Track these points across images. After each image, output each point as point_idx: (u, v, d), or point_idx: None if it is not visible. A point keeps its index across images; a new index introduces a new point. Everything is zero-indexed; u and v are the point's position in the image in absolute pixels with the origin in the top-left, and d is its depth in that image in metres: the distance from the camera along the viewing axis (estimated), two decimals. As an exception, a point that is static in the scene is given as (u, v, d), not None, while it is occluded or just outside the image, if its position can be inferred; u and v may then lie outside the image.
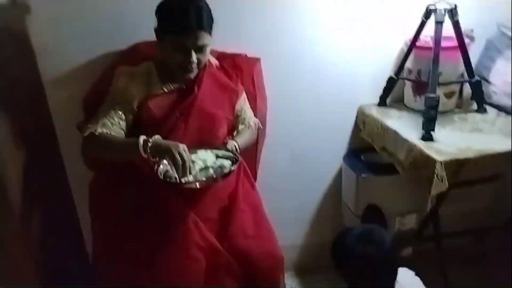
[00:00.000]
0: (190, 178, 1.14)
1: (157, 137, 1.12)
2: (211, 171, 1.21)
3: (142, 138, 1.11)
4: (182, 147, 1.09)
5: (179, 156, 1.07)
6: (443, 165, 1.27)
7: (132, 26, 1.39)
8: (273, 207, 1.46)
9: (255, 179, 1.50)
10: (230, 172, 1.20)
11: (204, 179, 1.18)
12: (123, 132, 1.21)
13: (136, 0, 1.37)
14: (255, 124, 1.42)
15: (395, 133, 1.47)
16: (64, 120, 1.42)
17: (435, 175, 1.28)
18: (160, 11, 1.18)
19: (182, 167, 1.08)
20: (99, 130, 1.17)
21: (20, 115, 1.22)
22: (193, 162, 1.18)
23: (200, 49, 1.18)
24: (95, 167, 1.37)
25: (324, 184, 1.82)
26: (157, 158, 1.13)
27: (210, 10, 1.18)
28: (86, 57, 1.40)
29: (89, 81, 1.37)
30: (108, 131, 1.18)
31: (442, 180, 1.29)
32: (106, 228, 1.30)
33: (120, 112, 1.20)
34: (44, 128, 1.41)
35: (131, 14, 1.38)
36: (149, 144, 1.09)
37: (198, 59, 1.19)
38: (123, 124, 1.21)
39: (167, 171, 1.19)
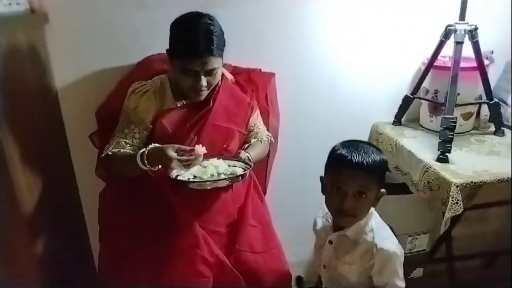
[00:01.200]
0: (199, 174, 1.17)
1: (152, 146, 1.13)
2: (222, 176, 1.20)
3: (141, 150, 1.12)
4: (172, 148, 1.09)
5: (174, 155, 1.08)
6: (459, 188, 1.25)
7: (147, 38, 1.40)
8: (282, 223, 1.44)
9: (264, 193, 1.49)
10: (242, 175, 1.19)
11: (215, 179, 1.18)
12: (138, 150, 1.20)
13: (152, 12, 1.38)
14: (268, 138, 1.42)
15: (410, 153, 1.46)
16: (77, 129, 1.43)
17: (450, 198, 1.26)
18: (171, 32, 1.17)
19: (185, 162, 1.10)
20: (113, 150, 1.19)
21: (33, 122, 1.23)
22: (205, 167, 1.19)
23: (209, 73, 1.16)
24: (105, 176, 1.37)
25: None
26: (159, 166, 1.14)
27: (221, 32, 1.16)
28: (101, 67, 1.41)
29: (103, 91, 1.38)
30: (122, 150, 1.19)
31: (457, 203, 1.26)
32: (114, 238, 1.29)
33: (135, 131, 1.21)
34: (56, 136, 1.42)
35: (147, 25, 1.39)
36: (145, 156, 1.11)
37: (208, 82, 1.18)
38: (138, 142, 1.21)
39: (178, 175, 1.20)
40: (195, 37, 1.12)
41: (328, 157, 1.15)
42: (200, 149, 1.12)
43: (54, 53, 1.35)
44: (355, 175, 1.06)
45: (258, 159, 1.37)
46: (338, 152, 1.10)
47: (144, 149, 1.13)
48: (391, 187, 1.53)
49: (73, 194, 1.50)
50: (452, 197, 1.25)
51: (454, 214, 1.28)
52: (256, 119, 1.38)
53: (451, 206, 1.26)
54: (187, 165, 1.10)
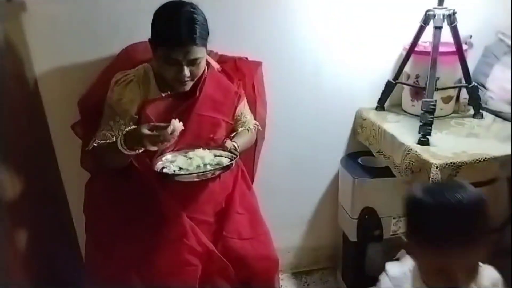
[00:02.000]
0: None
1: (128, 128, 1.10)
2: (209, 167, 1.18)
3: (120, 135, 1.08)
4: (147, 125, 1.05)
5: (146, 131, 1.03)
6: (438, 169, 1.27)
7: (129, 27, 1.38)
8: (270, 210, 1.46)
9: (252, 181, 1.49)
10: (228, 166, 1.18)
11: (202, 171, 1.16)
12: None
13: (132, 1, 1.36)
14: (255, 127, 1.42)
15: (392, 137, 1.47)
16: (59, 119, 1.41)
17: (430, 179, 1.28)
18: (153, 21, 1.14)
19: (159, 138, 1.03)
20: (99, 142, 1.16)
21: (13, 113, 1.20)
22: (190, 158, 1.18)
23: (192, 63, 1.14)
24: (92, 169, 1.36)
25: (321, 187, 1.83)
26: (138, 151, 1.09)
27: (205, 21, 1.14)
28: (82, 56, 1.39)
29: (85, 81, 1.35)
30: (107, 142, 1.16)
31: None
32: (101, 229, 1.28)
33: (121, 123, 1.18)
34: (38, 127, 1.39)
35: (129, 14, 1.37)
36: (122, 139, 1.07)
37: (191, 72, 1.15)
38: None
39: (163, 167, 1.18)
40: (177, 25, 1.09)
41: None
42: (177, 124, 1.04)
43: (33, 42, 1.32)
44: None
45: (245, 148, 1.37)
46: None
47: (123, 132, 1.10)
48: (374, 171, 1.61)
49: (57, 185, 1.48)
50: (433, 178, 1.27)
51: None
52: (243, 108, 1.37)
53: (432, 187, 1.29)
54: (160, 141, 1.03)
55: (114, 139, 1.15)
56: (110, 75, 1.25)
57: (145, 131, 1.04)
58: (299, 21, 1.53)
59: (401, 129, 1.50)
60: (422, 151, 1.34)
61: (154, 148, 1.08)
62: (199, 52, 1.14)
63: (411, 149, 1.37)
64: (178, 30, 1.09)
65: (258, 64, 1.46)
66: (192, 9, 1.12)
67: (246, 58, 1.45)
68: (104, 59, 1.38)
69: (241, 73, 1.40)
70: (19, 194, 1.17)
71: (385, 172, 1.53)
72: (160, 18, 1.13)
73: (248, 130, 1.39)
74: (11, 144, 1.16)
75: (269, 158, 1.60)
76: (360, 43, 1.60)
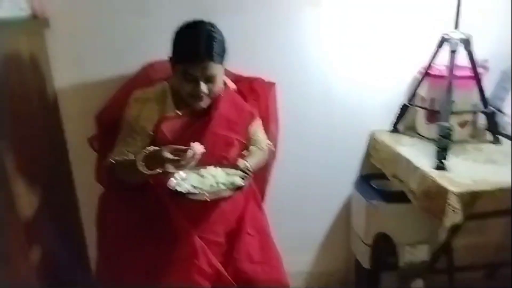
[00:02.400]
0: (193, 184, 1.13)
1: (149, 148, 1.10)
2: (222, 186, 1.17)
3: (139, 155, 1.09)
4: (168, 148, 1.05)
5: (168, 155, 1.04)
6: (457, 197, 1.23)
7: (148, 44, 1.41)
8: (280, 232, 1.42)
9: (263, 201, 1.47)
10: (241, 186, 1.17)
11: (215, 191, 1.15)
12: None
13: (153, 18, 1.40)
14: (267, 146, 1.41)
15: (407, 161, 1.45)
16: (77, 133, 1.43)
17: (448, 207, 1.25)
18: (173, 39, 1.18)
19: (177, 162, 1.04)
20: (117, 159, 1.17)
21: (32, 127, 1.23)
22: (203, 176, 1.18)
23: (209, 79, 1.16)
24: (107, 183, 1.35)
25: (333, 210, 1.80)
26: (158, 171, 1.08)
27: (223, 39, 1.17)
28: (102, 73, 1.42)
29: (103, 96, 1.38)
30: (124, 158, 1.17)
31: (456, 212, 1.24)
32: (112, 244, 1.28)
33: (138, 139, 1.20)
34: (56, 140, 1.42)
35: (148, 32, 1.41)
36: (141, 158, 1.07)
37: (208, 89, 1.18)
38: (141, 150, 1.17)
39: (177, 185, 1.17)
40: (195, 42, 1.13)
41: None
42: (198, 147, 1.06)
43: (55, 57, 1.37)
44: None
45: (258, 167, 1.35)
46: None
47: (142, 152, 1.11)
48: (389, 195, 1.57)
49: (71, 198, 1.49)
50: (451, 206, 1.24)
51: (453, 224, 1.26)
52: (257, 127, 1.38)
53: (450, 215, 1.25)
54: (182, 165, 1.05)
55: (131, 156, 1.16)
56: (129, 92, 1.27)
57: (167, 155, 1.04)
58: (310, 40, 1.55)
59: (417, 153, 1.48)
60: (439, 177, 1.31)
61: (175, 171, 1.09)
62: (216, 69, 1.16)
63: (428, 175, 1.34)
64: (197, 46, 1.13)
65: (272, 85, 1.47)
66: (210, 28, 1.17)
67: (262, 79, 1.46)
68: (123, 76, 1.41)
69: (256, 93, 1.41)
70: (32, 205, 1.18)
71: (400, 196, 1.48)
72: (180, 35, 1.17)
73: (260, 150, 1.38)
74: (29, 157, 1.17)
75: (281, 178, 1.58)
76: (374, 64, 1.60)
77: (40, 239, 1.21)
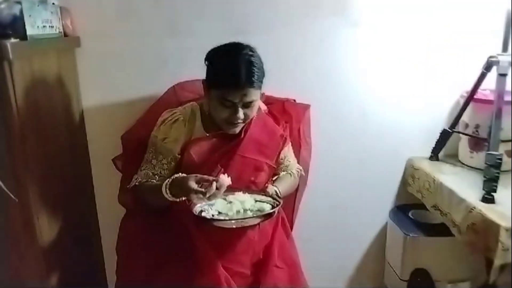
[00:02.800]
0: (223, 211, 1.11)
1: (176, 175, 1.09)
2: (249, 213, 1.13)
3: (166, 180, 1.09)
4: (194, 178, 1.04)
5: (194, 186, 1.03)
6: (509, 232, 1.13)
7: (177, 65, 1.41)
8: (308, 261, 1.36)
9: (291, 228, 1.41)
10: (270, 214, 1.13)
11: (241, 218, 1.12)
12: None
13: (183, 39, 1.40)
14: (298, 172, 1.37)
15: (451, 191, 1.36)
16: (101, 153, 1.43)
17: (499, 243, 1.14)
18: (209, 62, 1.16)
19: (206, 193, 1.03)
20: (141, 181, 1.17)
21: (56, 142, 1.23)
22: (230, 202, 1.15)
23: (247, 105, 1.14)
24: (130, 205, 1.33)
25: (366, 240, 1.71)
26: (183, 198, 1.08)
27: (262, 64, 1.15)
28: (130, 93, 1.42)
29: (130, 117, 1.38)
30: (150, 181, 1.17)
31: (507, 249, 1.14)
32: (132, 270, 1.23)
33: (163, 162, 1.19)
34: (80, 159, 1.42)
35: (178, 52, 1.41)
36: (168, 186, 1.07)
37: (245, 114, 1.15)
38: (167, 172, 1.18)
39: (201, 210, 1.14)
40: (236, 67, 1.10)
41: None
42: (225, 179, 1.05)
43: (83, 76, 1.38)
44: None
45: (287, 194, 1.31)
46: None
47: (169, 178, 1.09)
48: (428, 227, 1.50)
49: (92, 220, 1.47)
50: (502, 243, 1.14)
51: (504, 262, 1.16)
52: (287, 152, 1.35)
53: (500, 253, 1.15)
54: (208, 197, 1.04)
55: (156, 178, 1.16)
56: (156, 112, 1.26)
57: (193, 185, 1.03)
58: (347, 61, 1.51)
59: (461, 183, 1.39)
60: (488, 211, 1.21)
61: (199, 202, 1.09)
62: (255, 95, 1.14)
63: (475, 207, 1.24)
64: (237, 72, 1.10)
65: (306, 107, 1.44)
66: (251, 52, 1.14)
67: (294, 100, 1.43)
68: (151, 96, 1.40)
69: (288, 115, 1.38)
70: (55, 231, 1.17)
71: (440, 229, 1.41)
72: (218, 59, 1.15)
73: (290, 175, 1.34)
74: (52, 176, 1.16)
75: (310, 205, 1.53)
76: (413, 86, 1.54)
77: (59, 262, 1.18)
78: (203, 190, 1.02)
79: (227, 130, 1.19)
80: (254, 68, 1.11)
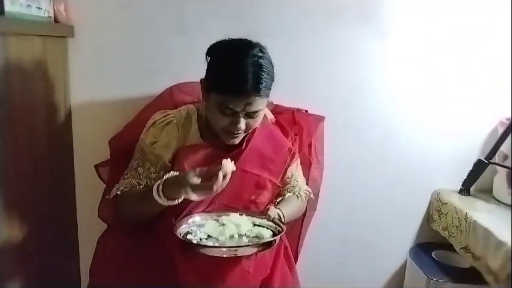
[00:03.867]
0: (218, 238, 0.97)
1: (170, 174, 0.97)
2: (245, 240, 0.99)
3: (157, 183, 0.96)
4: (194, 172, 0.92)
5: (196, 181, 0.91)
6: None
7: (180, 64, 1.33)
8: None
9: (295, 261, 1.27)
10: (270, 242, 0.97)
11: (234, 245, 0.96)
12: None
13: (189, 36, 1.31)
14: (306, 194, 1.23)
15: (487, 232, 1.19)
16: (86, 156, 1.34)
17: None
18: (211, 59, 1.02)
19: (207, 189, 0.91)
20: (124, 190, 1.04)
21: (34, 140, 1.13)
22: (223, 225, 1.02)
23: (251, 115, 1.01)
24: (110, 219, 1.20)
25: (381, 281, 1.57)
26: (177, 201, 0.95)
27: (271, 67, 1.00)
28: (124, 91, 1.34)
29: (122, 119, 1.29)
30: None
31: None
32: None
33: (151, 171, 1.06)
34: (62, 164, 1.31)
35: (181, 51, 1.32)
36: (161, 186, 0.95)
37: (247, 124, 1.02)
38: (153, 183, 1.02)
39: (188, 232, 1.00)
40: (242, 72, 0.95)
41: None
42: (229, 165, 0.92)
43: (74, 69, 1.30)
44: None
45: (292, 219, 1.19)
46: None
47: (161, 179, 0.96)
48: (455, 272, 1.34)
49: (70, 234, 1.37)
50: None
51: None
52: (295, 169, 1.21)
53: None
54: (210, 192, 0.92)
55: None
56: (149, 116, 1.13)
57: (195, 180, 0.92)
58: (370, 74, 1.40)
59: (498, 223, 1.22)
60: (535, 259, 1.02)
61: (199, 199, 0.96)
62: (261, 104, 1.00)
63: (518, 254, 1.05)
64: (243, 78, 0.95)
65: (319, 120, 1.31)
66: (260, 53, 0.99)
67: (306, 111, 1.31)
68: (149, 97, 1.30)
69: (299, 127, 1.25)
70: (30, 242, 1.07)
71: (470, 275, 1.28)
72: (223, 57, 1.00)
73: (297, 197, 1.20)
74: (31, 177, 1.08)
75: (319, 235, 1.42)
76: (446, 108, 1.43)
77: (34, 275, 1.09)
78: (208, 184, 0.89)
79: (225, 140, 1.05)
80: (263, 74, 0.96)
